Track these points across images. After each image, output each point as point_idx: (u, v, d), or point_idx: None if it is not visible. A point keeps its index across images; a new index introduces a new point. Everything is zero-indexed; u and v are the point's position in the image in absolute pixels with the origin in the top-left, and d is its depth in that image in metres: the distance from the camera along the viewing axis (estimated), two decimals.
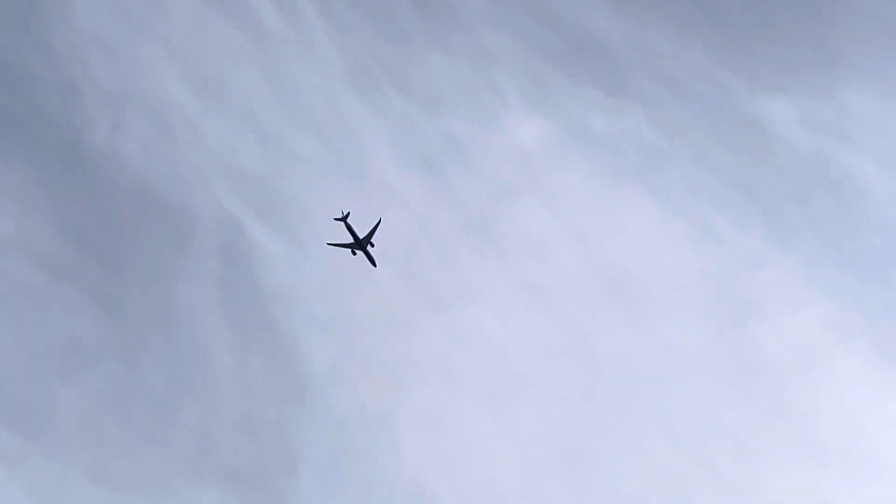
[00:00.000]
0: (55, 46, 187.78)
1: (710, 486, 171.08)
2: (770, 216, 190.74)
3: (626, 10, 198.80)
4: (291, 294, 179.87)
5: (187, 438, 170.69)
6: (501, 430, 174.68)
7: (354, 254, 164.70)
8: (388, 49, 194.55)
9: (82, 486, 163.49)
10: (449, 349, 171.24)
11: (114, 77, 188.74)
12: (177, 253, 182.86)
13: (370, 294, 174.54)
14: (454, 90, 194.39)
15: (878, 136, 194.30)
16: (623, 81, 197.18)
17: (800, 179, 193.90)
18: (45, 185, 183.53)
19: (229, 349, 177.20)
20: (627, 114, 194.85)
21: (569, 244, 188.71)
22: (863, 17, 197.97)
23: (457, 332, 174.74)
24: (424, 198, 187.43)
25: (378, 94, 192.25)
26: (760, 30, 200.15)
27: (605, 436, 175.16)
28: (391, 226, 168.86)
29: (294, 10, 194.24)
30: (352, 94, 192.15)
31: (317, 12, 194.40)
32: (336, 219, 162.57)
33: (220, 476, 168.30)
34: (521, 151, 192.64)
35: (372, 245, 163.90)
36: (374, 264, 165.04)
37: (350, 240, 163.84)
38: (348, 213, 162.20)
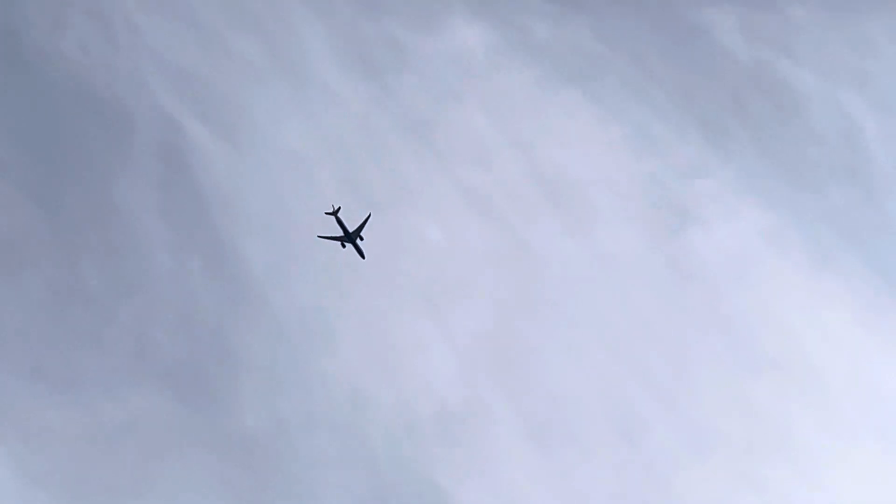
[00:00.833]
0: None
1: (644, 390, 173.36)
2: (709, 125, 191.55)
3: None
4: (231, 195, 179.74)
5: (125, 339, 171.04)
6: (439, 334, 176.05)
7: (344, 246, 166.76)
8: None
9: (20, 386, 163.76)
10: (388, 252, 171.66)
11: None
12: (116, 153, 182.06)
13: (310, 196, 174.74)
14: None
15: (818, 47, 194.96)
16: None
17: (739, 89, 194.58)
18: None
19: (168, 250, 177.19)
20: (570, 21, 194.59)
21: (508, 150, 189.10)
22: None
23: (396, 236, 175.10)
24: (365, 101, 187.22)
25: None
26: None
27: (542, 341, 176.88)
28: (331, 128, 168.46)
29: None
30: None
31: None
32: (327, 213, 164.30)
33: (157, 377, 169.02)
34: (463, 56, 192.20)
35: (361, 238, 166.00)
36: (363, 256, 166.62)
37: (340, 233, 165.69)
38: (339, 208, 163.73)
